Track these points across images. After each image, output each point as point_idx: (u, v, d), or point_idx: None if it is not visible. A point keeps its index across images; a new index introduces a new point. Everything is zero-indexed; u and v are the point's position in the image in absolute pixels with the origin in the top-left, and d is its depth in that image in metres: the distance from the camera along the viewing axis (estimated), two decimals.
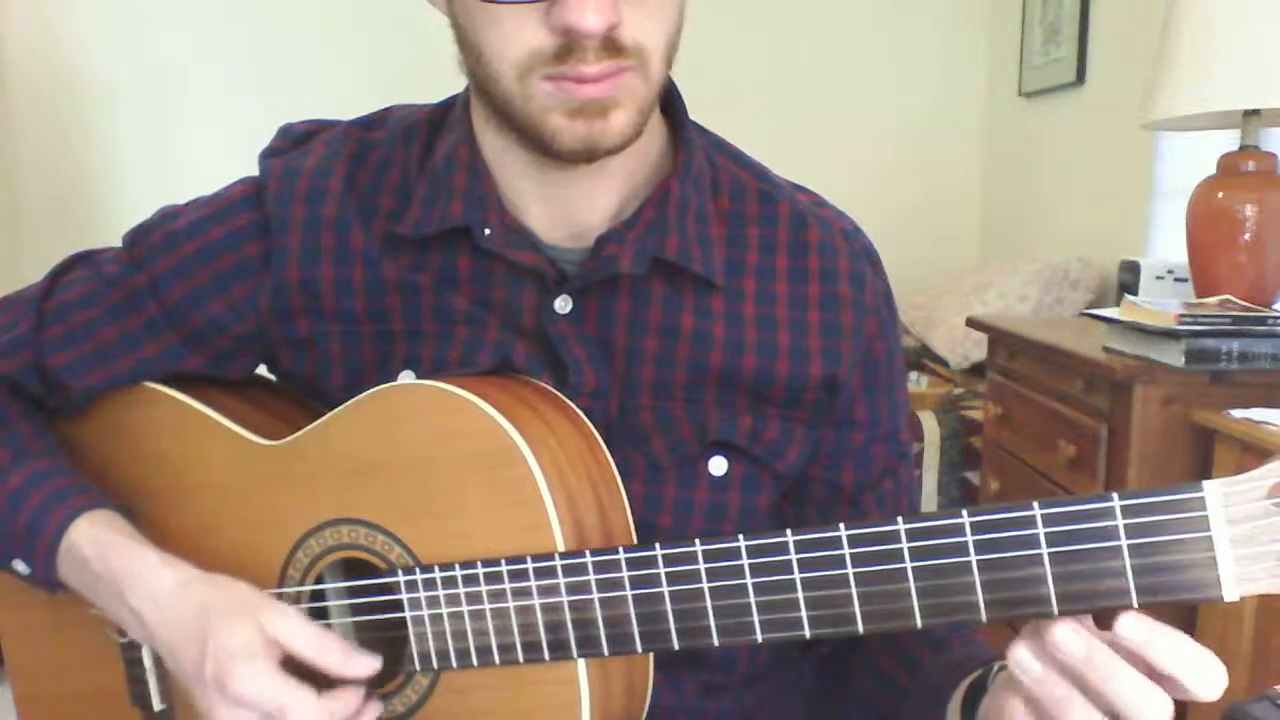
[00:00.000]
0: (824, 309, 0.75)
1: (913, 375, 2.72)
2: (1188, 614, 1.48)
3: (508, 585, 0.65)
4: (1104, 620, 0.55)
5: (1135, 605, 0.53)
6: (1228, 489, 0.51)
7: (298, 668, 0.65)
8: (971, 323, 2.23)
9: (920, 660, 0.74)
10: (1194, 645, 0.51)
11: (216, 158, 1.64)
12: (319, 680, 0.65)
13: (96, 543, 0.72)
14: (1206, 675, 0.51)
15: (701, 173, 0.76)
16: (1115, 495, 0.52)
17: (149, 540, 0.73)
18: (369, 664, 0.67)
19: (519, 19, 0.63)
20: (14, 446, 0.77)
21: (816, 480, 0.79)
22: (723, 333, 0.74)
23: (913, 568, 0.56)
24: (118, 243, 0.82)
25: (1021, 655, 0.55)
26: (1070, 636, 0.53)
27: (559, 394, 0.71)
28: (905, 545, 0.56)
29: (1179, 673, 0.51)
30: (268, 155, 0.80)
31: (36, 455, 0.76)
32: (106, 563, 0.71)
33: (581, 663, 0.64)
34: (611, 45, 0.63)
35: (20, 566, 0.75)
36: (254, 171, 0.79)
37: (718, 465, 0.75)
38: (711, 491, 0.75)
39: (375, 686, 0.70)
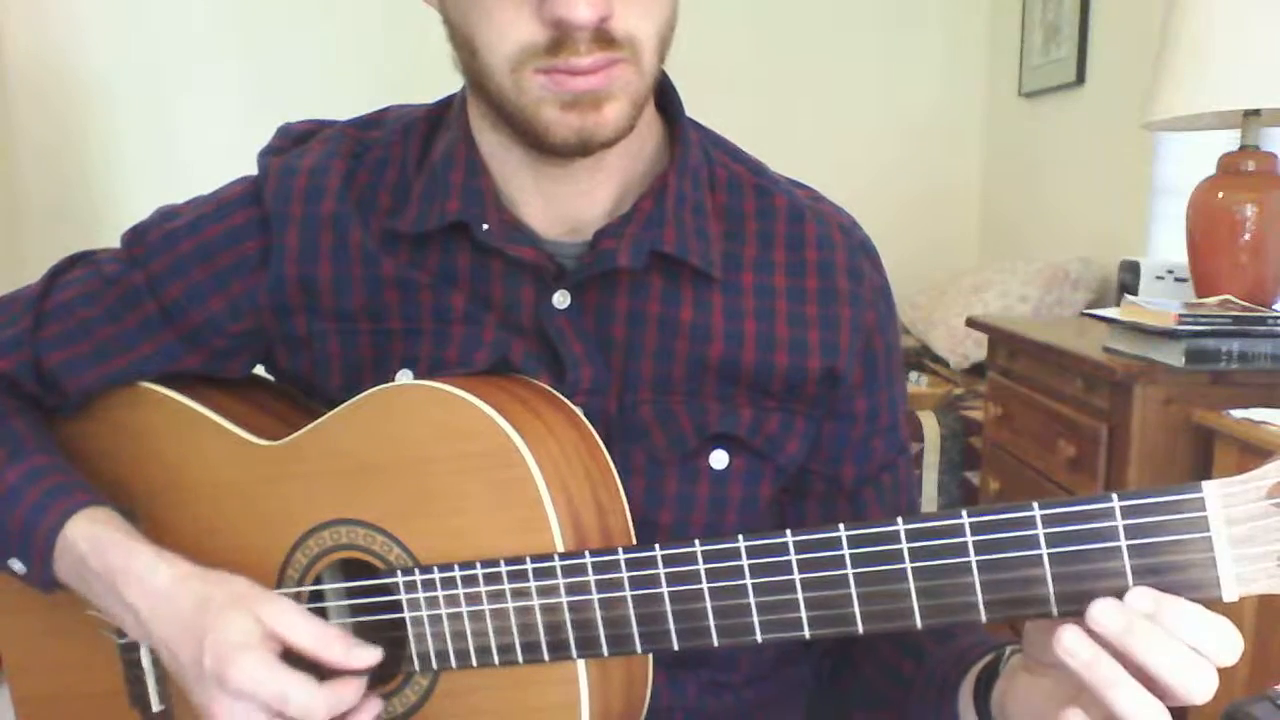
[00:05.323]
0: (822, 302, 0.75)
1: (913, 375, 2.72)
2: None
3: (507, 586, 0.64)
4: None
5: None
6: (1227, 489, 0.51)
7: (297, 661, 0.65)
8: (971, 323, 2.23)
9: (924, 650, 0.74)
10: (1205, 612, 0.51)
11: (216, 158, 1.63)
12: (319, 673, 0.65)
13: (92, 539, 0.71)
14: (1222, 640, 0.51)
15: (698, 167, 0.76)
16: (1115, 495, 0.52)
17: (146, 538, 0.73)
18: (370, 655, 0.66)
19: (511, 12, 0.63)
20: (10, 443, 0.76)
21: (816, 475, 0.79)
22: (721, 326, 0.74)
23: (912, 568, 0.56)
24: (117, 243, 0.82)
25: (1070, 639, 0.52)
26: (1110, 611, 0.52)
27: (557, 393, 0.71)
28: (905, 546, 0.56)
29: (1196, 641, 0.51)
30: (266, 154, 0.80)
31: (33, 451, 0.76)
32: (103, 559, 0.71)
33: (581, 663, 0.64)
34: (603, 37, 0.63)
35: (17, 565, 0.75)
36: (253, 171, 0.79)
37: (719, 459, 0.75)
38: (713, 485, 0.75)
39: (375, 687, 0.70)
